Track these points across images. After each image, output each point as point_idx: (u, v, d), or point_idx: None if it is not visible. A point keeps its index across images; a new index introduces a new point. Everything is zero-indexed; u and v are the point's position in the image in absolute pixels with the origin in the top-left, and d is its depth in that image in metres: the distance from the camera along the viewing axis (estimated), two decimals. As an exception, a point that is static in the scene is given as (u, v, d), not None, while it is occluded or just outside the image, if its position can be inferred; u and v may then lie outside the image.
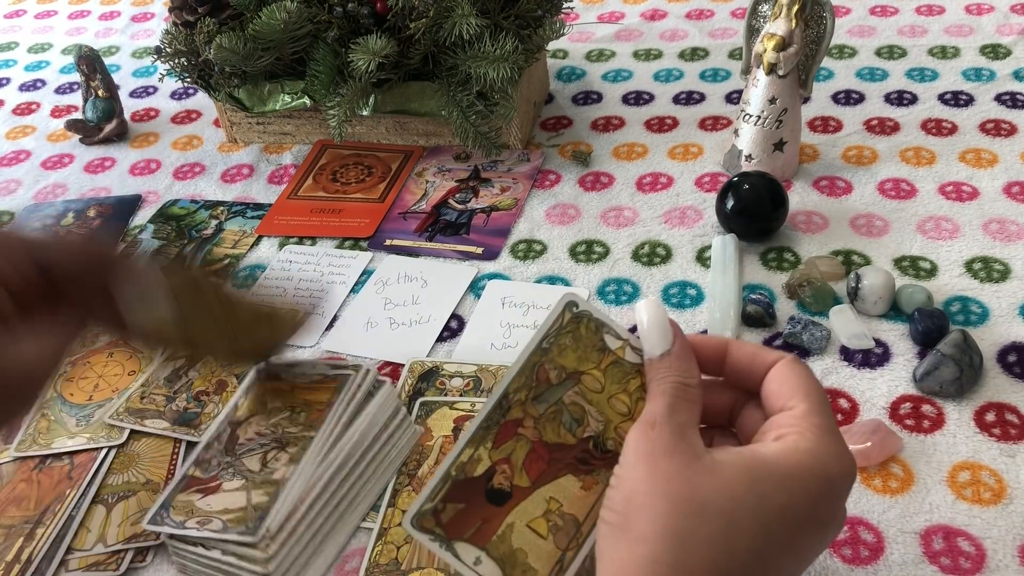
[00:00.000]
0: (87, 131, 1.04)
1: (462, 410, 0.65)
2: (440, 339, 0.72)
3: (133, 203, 0.93)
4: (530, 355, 0.42)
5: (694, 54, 1.07)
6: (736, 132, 0.84)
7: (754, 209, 0.76)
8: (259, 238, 0.86)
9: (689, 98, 0.99)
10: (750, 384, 0.42)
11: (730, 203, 0.77)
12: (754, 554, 0.35)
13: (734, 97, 0.98)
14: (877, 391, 0.64)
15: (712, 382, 0.43)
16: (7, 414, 0.46)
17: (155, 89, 1.13)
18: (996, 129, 0.88)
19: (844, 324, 0.68)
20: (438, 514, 0.40)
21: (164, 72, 0.92)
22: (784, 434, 0.38)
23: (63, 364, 0.50)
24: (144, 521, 0.56)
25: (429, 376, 0.68)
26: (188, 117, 1.07)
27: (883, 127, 0.91)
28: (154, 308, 0.48)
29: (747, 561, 0.34)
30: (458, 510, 0.40)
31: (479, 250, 0.81)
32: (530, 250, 0.80)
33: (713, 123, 0.94)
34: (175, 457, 0.64)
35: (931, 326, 0.65)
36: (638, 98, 1.00)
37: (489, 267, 0.79)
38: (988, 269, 0.73)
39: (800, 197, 0.82)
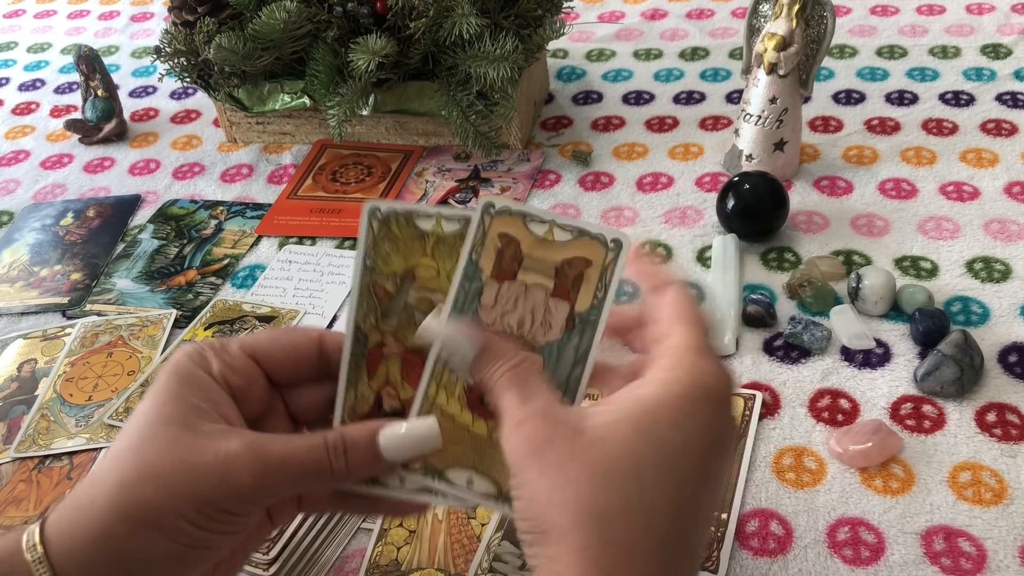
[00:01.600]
0: (86, 131, 1.03)
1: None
2: (440, 339, 0.72)
3: (132, 203, 0.93)
4: (360, 279, 0.41)
5: (694, 54, 1.07)
6: (737, 132, 0.84)
7: (754, 209, 0.76)
8: (259, 238, 0.86)
9: (689, 98, 0.99)
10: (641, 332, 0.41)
11: (730, 203, 0.76)
12: (670, 502, 0.34)
13: (734, 97, 0.98)
14: (878, 391, 0.64)
15: None
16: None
17: (155, 89, 1.13)
18: (997, 129, 0.88)
19: (845, 324, 0.68)
20: None
21: (164, 72, 0.92)
22: (659, 366, 0.37)
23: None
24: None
25: (429, 376, 0.68)
26: (188, 117, 1.07)
27: (884, 127, 0.91)
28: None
29: (669, 511, 0.34)
30: None
31: (479, 250, 0.81)
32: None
33: (713, 123, 0.94)
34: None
35: (932, 326, 0.65)
36: (638, 98, 1.00)
37: (489, 267, 0.79)
38: (989, 269, 0.73)
39: (801, 197, 0.82)
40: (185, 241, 0.86)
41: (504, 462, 0.37)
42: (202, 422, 0.38)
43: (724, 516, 0.56)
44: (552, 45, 0.98)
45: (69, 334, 0.76)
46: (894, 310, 0.69)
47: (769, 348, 0.68)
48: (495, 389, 0.38)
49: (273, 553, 0.53)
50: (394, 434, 0.39)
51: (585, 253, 0.40)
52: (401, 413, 0.41)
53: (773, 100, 0.80)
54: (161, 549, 0.37)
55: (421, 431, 0.39)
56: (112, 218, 0.91)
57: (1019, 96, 0.92)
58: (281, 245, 0.84)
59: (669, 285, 0.40)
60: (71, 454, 0.65)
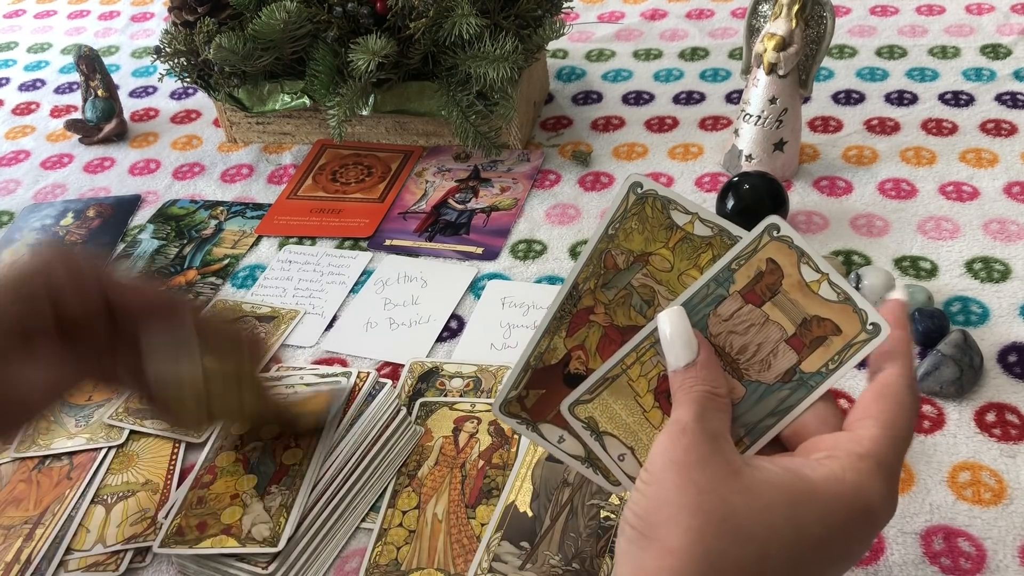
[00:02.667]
0: (86, 131, 1.03)
1: (462, 411, 0.65)
2: (440, 339, 0.72)
3: (132, 203, 0.93)
4: (597, 243, 0.42)
5: (694, 54, 1.07)
6: (736, 132, 0.84)
7: (754, 209, 0.76)
8: (259, 238, 0.86)
9: (689, 98, 0.99)
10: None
11: (730, 203, 0.76)
12: None
13: (734, 97, 0.98)
14: (877, 391, 0.64)
15: None
16: None
17: (155, 89, 1.13)
18: (996, 129, 0.88)
19: (844, 324, 0.68)
20: (522, 400, 0.43)
21: (164, 72, 0.92)
22: (835, 457, 0.35)
23: (58, 401, 0.49)
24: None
25: (429, 376, 0.68)
26: (188, 117, 1.07)
27: (883, 127, 0.91)
28: (181, 367, 0.46)
29: None
30: (540, 395, 0.42)
31: (479, 250, 0.81)
32: (530, 250, 0.80)
33: (713, 123, 0.94)
34: (174, 457, 0.64)
35: (931, 326, 0.65)
36: (638, 98, 1.00)
37: (489, 267, 0.79)
38: (988, 269, 0.73)
39: (800, 197, 0.82)
40: (185, 241, 0.86)
41: None
42: None
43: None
44: (552, 45, 0.98)
45: (69, 334, 0.76)
46: (894, 310, 0.69)
47: (769, 348, 0.68)
48: (685, 394, 0.38)
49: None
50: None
51: (840, 320, 0.39)
52: (581, 380, 0.42)
53: (773, 100, 0.80)
54: None
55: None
56: (112, 218, 0.91)
57: (1019, 96, 0.92)
58: (281, 245, 0.85)
59: (896, 357, 0.38)
60: (71, 454, 0.65)
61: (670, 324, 0.39)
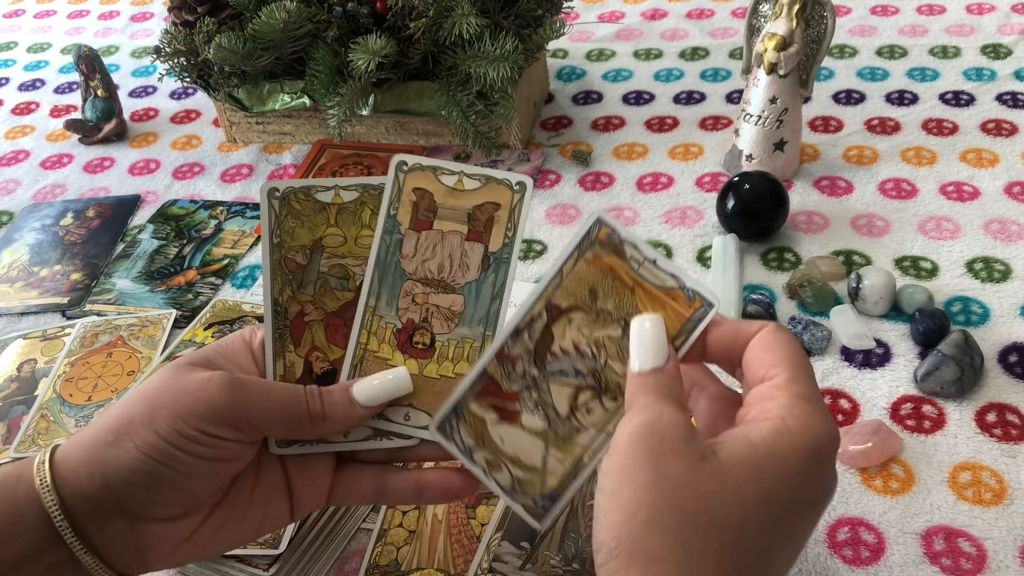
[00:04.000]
0: (86, 131, 1.03)
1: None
2: (440, 339, 0.72)
3: (132, 203, 0.93)
4: (270, 256, 0.43)
5: (694, 54, 1.07)
6: (737, 132, 0.84)
7: (754, 209, 0.76)
8: (259, 238, 0.86)
9: (689, 98, 0.99)
10: (734, 360, 0.40)
11: (730, 203, 0.76)
12: (762, 554, 0.34)
13: (734, 97, 0.98)
14: (878, 391, 0.64)
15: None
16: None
17: (154, 89, 1.13)
18: (997, 129, 0.88)
19: (845, 324, 0.68)
20: None
21: (163, 72, 0.92)
22: (769, 413, 0.36)
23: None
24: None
25: (429, 376, 0.68)
26: (187, 117, 1.07)
27: (884, 127, 0.91)
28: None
29: (755, 562, 0.34)
30: None
31: (479, 250, 0.81)
32: (530, 250, 0.80)
33: (713, 123, 0.94)
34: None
35: (932, 326, 0.65)
36: (638, 98, 1.00)
37: (489, 267, 0.79)
38: (989, 269, 0.72)
39: (801, 197, 0.82)
40: (185, 241, 0.86)
41: (436, 392, 0.40)
42: (205, 367, 0.41)
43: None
44: (552, 45, 0.98)
45: (69, 334, 0.76)
46: (894, 310, 0.69)
47: (769, 348, 0.68)
48: (641, 400, 0.38)
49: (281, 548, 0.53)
50: (367, 384, 0.42)
51: (494, 198, 0.43)
52: (332, 374, 0.43)
53: (773, 100, 0.80)
54: (131, 460, 0.39)
55: (393, 376, 0.42)
56: (112, 218, 0.91)
57: (1019, 96, 0.92)
58: (281, 245, 0.84)
59: (765, 326, 0.39)
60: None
61: (650, 326, 0.40)
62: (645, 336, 0.39)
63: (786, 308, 0.71)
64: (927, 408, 0.62)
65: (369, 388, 0.42)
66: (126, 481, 0.39)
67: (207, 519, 0.42)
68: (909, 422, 0.61)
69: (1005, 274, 0.72)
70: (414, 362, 0.43)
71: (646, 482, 0.34)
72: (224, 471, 0.41)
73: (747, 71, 0.84)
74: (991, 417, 0.61)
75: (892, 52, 1.02)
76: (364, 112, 0.89)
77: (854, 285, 0.69)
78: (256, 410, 0.40)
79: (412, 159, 0.43)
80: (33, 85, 1.18)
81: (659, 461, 0.34)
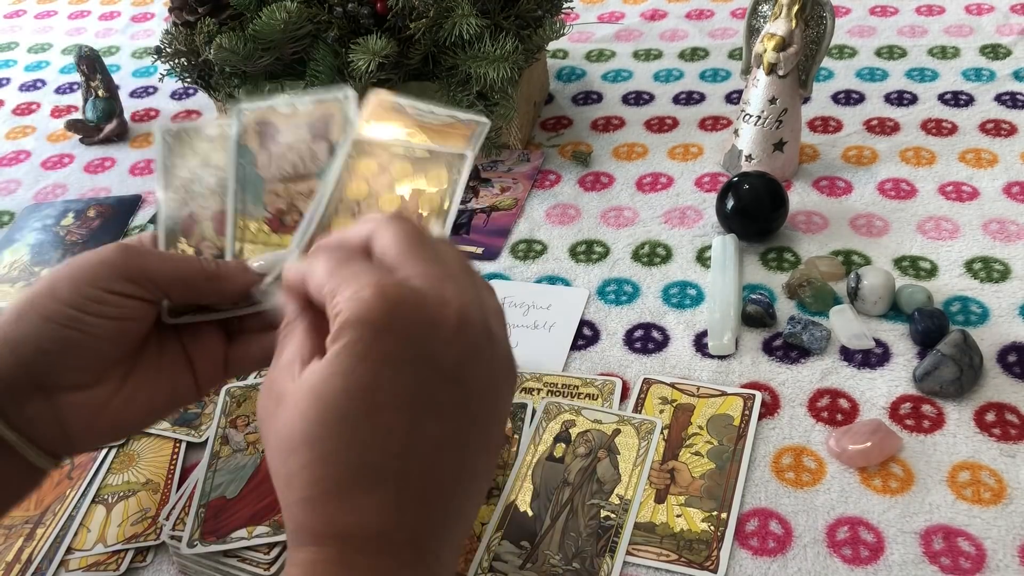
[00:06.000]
0: (87, 131, 1.03)
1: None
2: (440, 339, 0.72)
3: (133, 203, 0.93)
4: (164, 178, 0.48)
5: (694, 54, 1.07)
6: (736, 132, 0.84)
7: (754, 209, 0.76)
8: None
9: (689, 98, 0.99)
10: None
11: (730, 203, 0.77)
12: (388, 433, 0.33)
13: (734, 97, 0.98)
14: (877, 391, 0.64)
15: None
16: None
17: (155, 89, 1.13)
18: (996, 129, 0.88)
19: (844, 324, 0.68)
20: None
21: (164, 72, 0.92)
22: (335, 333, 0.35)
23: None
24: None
25: (429, 376, 0.68)
26: (188, 117, 1.07)
27: (883, 127, 0.91)
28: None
29: (386, 439, 0.33)
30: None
31: (479, 250, 0.81)
32: (530, 250, 0.80)
33: (713, 123, 0.94)
34: (175, 457, 0.64)
35: (931, 326, 0.65)
36: (638, 98, 1.00)
37: (489, 267, 0.79)
38: (988, 269, 0.73)
39: (800, 197, 0.82)
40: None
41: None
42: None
43: (724, 515, 0.56)
44: (552, 45, 0.98)
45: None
46: (893, 310, 0.69)
47: (768, 348, 0.68)
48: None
49: (274, 553, 0.53)
50: (258, 255, 0.46)
51: (326, 111, 0.49)
52: (221, 258, 0.48)
53: (772, 100, 0.81)
54: (37, 329, 0.40)
55: (279, 252, 0.46)
56: (113, 218, 0.91)
57: (1018, 96, 0.93)
58: (281, 245, 0.85)
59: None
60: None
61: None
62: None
63: (786, 308, 0.71)
64: (926, 408, 0.62)
65: (261, 257, 0.45)
66: (36, 350, 0.41)
67: (120, 388, 0.44)
68: (908, 422, 0.61)
69: (1004, 274, 0.72)
70: (288, 237, 0.47)
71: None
72: (129, 331, 0.43)
73: (746, 71, 0.84)
74: (990, 417, 0.61)
75: (891, 52, 1.02)
76: (364, 112, 0.89)
77: (853, 285, 0.69)
78: (152, 267, 0.43)
79: (248, 103, 0.49)
80: (34, 85, 1.18)
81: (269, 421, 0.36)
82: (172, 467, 0.63)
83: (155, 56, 0.92)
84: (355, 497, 0.33)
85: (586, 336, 0.71)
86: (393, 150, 0.47)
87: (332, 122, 0.49)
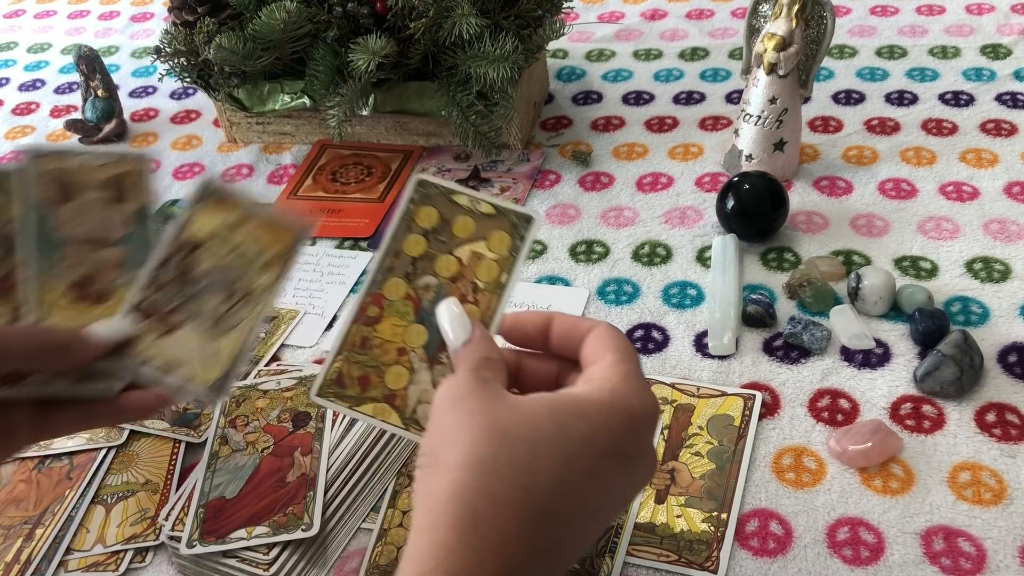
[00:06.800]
0: (86, 131, 1.03)
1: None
2: (440, 339, 0.72)
3: (133, 203, 0.93)
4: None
5: (694, 54, 1.07)
6: (736, 132, 0.84)
7: (754, 209, 0.76)
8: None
9: (689, 98, 0.99)
10: (572, 352, 0.43)
11: (730, 203, 0.76)
12: (555, 476, 0.36)
13: (734, 97, 0.98)
14: (877, 391, 0.64)
15: (538, 354, 0.45)
16: None
17: (154, 89, 1.13)
18: (996, 129, 0.88)
19: (844, 324, 0.68)
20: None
21: (164, 72, 0.92)
22: (591, 379, 0.40)
23: None
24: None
25: (429, 376, 0.68)
26: (187, 117, 1.07)
27: (883, 127, 0.91)
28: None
29: (549, 484, 0.36)
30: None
31: (479, 250, 0.81)
32: (530, 250, 0.80)
33: (713, 123, 0.94)
34: (174, 457, 0.64)
35: (931, 326, 0.65)
36: (638, 98, 1.00)
37: (489, 267, 0.79)
38: (989, 269, 0.73)
39: (800, 197, 0.82)
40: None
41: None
42: None
43: (724, 516, 0.56)
44: (552, 45, 0.98)
45: (69, 334, 0.76)
46: (894, 310, 0.69)
47: (769, 348, 0.68)
48: (463, 362, 0.42)
49: (273, 553, 0.53)
50: (98, 325, 0.46)
51: (122, 168, 0.49)
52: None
53: (773, 100, 0.80)
54: None
55: (119, 321, 0.46)
56: (112, 218, 0.91)
57: (1019, 96, 0.92)
58: (281, 245, 0.84)
59: (599, 324, 0.43)
60: (71, 454, 0.65)
61: (446, 312, 0.44)
62: (448, 320, 0.43)
63: (786, 308, 0.71)
64: (927, 408, 0.62)
65: (101, 326, 0.45)
66: None
67: None
68: (909, 422, 0.61)
69: (1005, 274, 0.72)
70: (96, 307, 0.48)
71: (449, 417, 0.38)
72: None
73: (747, 71, 0.84)
74: (990, 417, 0.61)
75: (892, 52, 1.02)
76: (364, 112, 0.89)
77: (854, 285, 0.69)
78: (6, 344, 0.43)
79: (44, 152, 0.49)
80: (33, 85, 1.18)
81: (458, 403, 0.38)
82: (171, 467, 0.63)
83: (154, 56, 0.92)
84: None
85: (586, 336, 0.71)
86: (457, 199, 0.45)
87: (132, 186, 0.49)
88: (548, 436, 0.36)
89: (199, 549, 0.54)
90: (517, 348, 0.44)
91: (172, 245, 0.48)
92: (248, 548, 0.54)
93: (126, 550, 0.58)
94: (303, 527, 0.54)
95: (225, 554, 0.53)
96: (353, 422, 0.59)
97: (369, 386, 0.44)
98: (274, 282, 0.49)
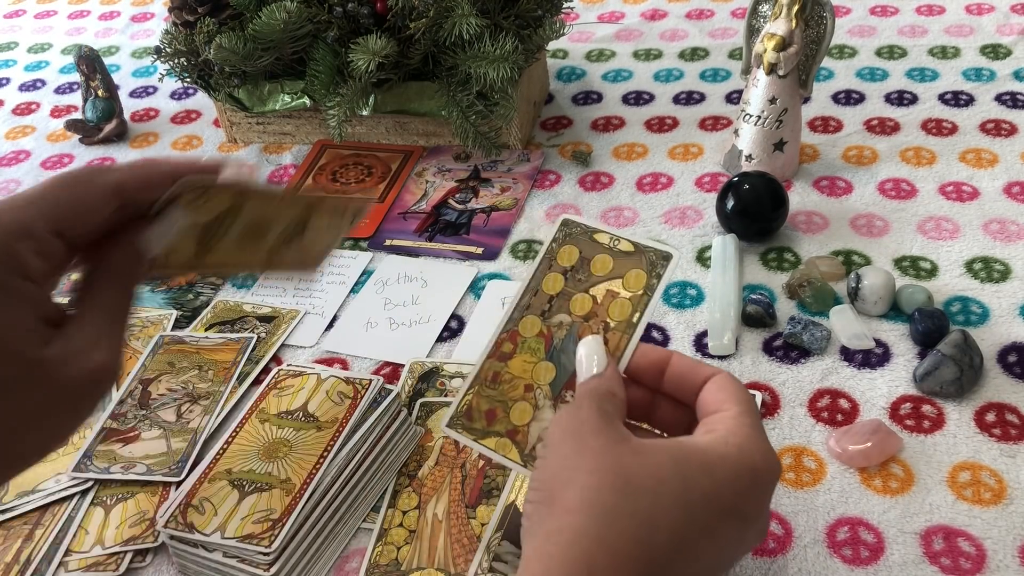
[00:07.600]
0: (87, 131, 1.03)
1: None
2: (440, 339, 0.72)
3: (133, 203, 0.93)
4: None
5: (694, 54, 1.07)
6: (736, 132, 0.84)
7: (754, 209, 0.76)
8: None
9: (689, 98, 0.99)
10: (686, 394, 0.43)
11: (730, 203, 0.76)
12: (675, 533, 0.35)
13: (734, 97, 0.98)
14: (877, 391, 0.64)
15: (629, 380, 0.45)
16: (63, 431, 0.38)
17: (155, 89, 1.13)
18: (996, 129, 0.88)
19: (844, 324, 0.68)
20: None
21: (164, 72, 0.92)
22: (715, 430, 0.39)
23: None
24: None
25: (429, 377, 0.68)
26: (188, 117, 1.07)
27: (883, 127, 0.91)
28: (171, 243, 0.43)
29: (668, 540, 0.35)
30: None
31: (479, 250, 0.81)
32: (530, 250, 0.80)
33: (713, 123, 0.94)
34: (175, 457, 0.64)
35: (931, 326, 0.65)
36: (638, 98, 1.00)
37: (489, 267, 0.79)
38: (988, 269, 0.73)
39: (800, 197, 0.82)
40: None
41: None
42: None
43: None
44: (552, 45, 0.98)
45: (69, 334, 0.76)
46: (893, 310, 0.69)
47: (769, 348, 0.68)
48: (582, 391, 0.42)
49: (273, 554, 0.53)
50: None
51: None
52: None
53: (773, 100, 0.80)
54: None
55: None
56: (112, 218, 0.91)
57: (1019, 96, 0.92)
58: (281, 245, 0.84)
59: (719, 372, 0.43)
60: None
61: (586, 347, 0.44)
62: (588, 351, 0.44)
63: (786, 308, 0.71)
64: (926, 408, 0.62)
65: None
66: None
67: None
68: (908, 422, 0.61)
69: (1004, 274, 0.72)
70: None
71: (570, 452, 0.38)
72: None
73: (747, 71, 0.84)
74: (990, 417, 0.61)
75: (891, 52, 1.02)
76: (364, 112, 0.90)
77: (853, 285, 0.69)
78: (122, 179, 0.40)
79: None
80: (34, 85, 1.18)
81: (581, 437, 0.38)
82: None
83: (155, 56, 0.92)
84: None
85: (586, 336, 0.71)
86: (598, 238, 0.45)
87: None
88: (671, 489, 0.36)
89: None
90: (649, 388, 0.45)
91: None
92: (248, 548, 0.53)
93: (125, 551, 0.58)
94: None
95: (226, 554, 0.53)
96: (355, 427, 0.59)
97: (495, 420, 0.45)
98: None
